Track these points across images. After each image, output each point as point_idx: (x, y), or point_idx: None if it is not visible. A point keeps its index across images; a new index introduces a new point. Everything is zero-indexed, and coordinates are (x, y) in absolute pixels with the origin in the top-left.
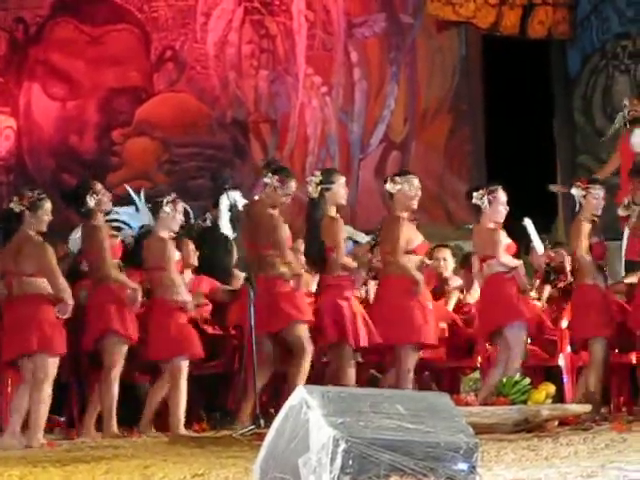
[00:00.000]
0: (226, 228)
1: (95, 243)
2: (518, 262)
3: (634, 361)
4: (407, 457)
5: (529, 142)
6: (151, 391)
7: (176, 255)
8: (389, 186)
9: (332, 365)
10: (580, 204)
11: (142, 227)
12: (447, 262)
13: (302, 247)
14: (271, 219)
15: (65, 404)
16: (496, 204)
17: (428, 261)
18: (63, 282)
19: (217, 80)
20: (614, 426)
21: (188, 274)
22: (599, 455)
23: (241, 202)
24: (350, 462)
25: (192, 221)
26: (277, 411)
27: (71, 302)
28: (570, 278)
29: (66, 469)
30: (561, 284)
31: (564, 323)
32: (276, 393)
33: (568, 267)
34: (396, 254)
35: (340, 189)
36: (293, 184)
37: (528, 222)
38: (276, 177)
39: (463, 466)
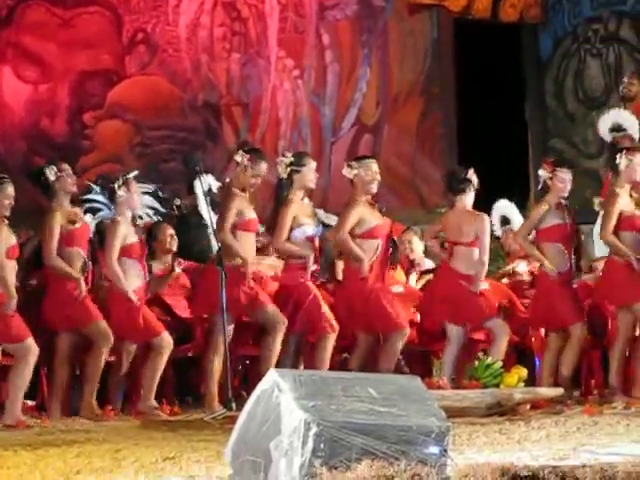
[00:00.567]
0: (206, 213)
1: (43, 227)
2: None
3: (605, 344)
4: (379, 440)
5: (501, 125)
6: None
7: (132, 239)
8: (346, 171)
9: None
10: (547, 186)
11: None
12: (412, 245)
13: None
14: (226, 197)
15: (36, 388)
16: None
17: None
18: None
19: (189, 63)
20: (586, 409)
21: (167, 259)
22: (571, 438)
23: (215, 185)
24: (322, 445)
25: (162, 202)
26: (249, 394)
27: (11, 298)
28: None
29: (37, 452)
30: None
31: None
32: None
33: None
34: (337, 234)
35: (309, 173)
36: (264, 166)
37: (506, 204)
38: (247, 156)
39: (435, 449)
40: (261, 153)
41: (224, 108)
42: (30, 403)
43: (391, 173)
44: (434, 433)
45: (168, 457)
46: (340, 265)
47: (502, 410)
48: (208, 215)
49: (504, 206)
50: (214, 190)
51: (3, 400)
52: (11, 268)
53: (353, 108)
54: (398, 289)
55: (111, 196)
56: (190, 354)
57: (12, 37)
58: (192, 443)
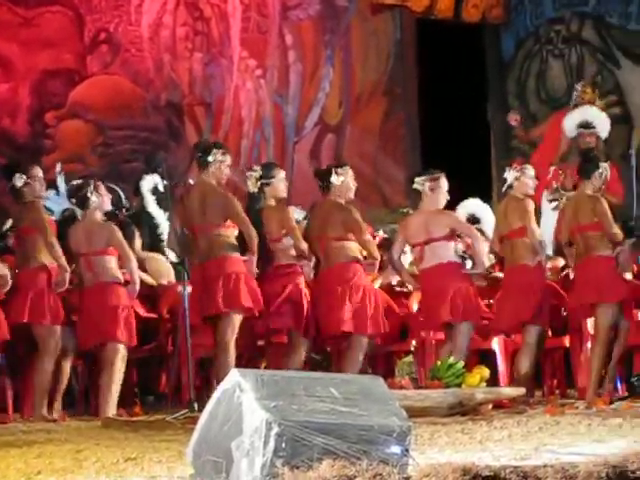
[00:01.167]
0: (156, 212)
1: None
2: None
3: (567, 344)
4: (340, 440)
5: (463, 126)
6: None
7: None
8: (334, 178)
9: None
10: (511, 185)
11: (65, 211)
12: None
13: None
14: (225, 196)
15: None
16: (438, 191)
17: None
18: None
19: (151, 62)
20: (547, 409)
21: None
22: (533, 438)
23: (161, 185)
24: (283, 445)
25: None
26: (210, 395)
27: None
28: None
29: None
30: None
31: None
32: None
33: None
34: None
35: (280, 184)
36: (229, 159)
37: (478, 203)
38: (220, 151)
39: (396, 449)
40: (226, 147)
41: (187, 108)
42: None
43: (354, 173)
44: (395, 433)
45: (130, 457)
46: None
47: (464, 410)
48: (158, 213)
49: (474, 204)
50: (160, 189)
51: None
52: None
53: (316, 108)
54: None
55: (83, 202)
56: (152, 354)
57: None
58: (154, 443)
